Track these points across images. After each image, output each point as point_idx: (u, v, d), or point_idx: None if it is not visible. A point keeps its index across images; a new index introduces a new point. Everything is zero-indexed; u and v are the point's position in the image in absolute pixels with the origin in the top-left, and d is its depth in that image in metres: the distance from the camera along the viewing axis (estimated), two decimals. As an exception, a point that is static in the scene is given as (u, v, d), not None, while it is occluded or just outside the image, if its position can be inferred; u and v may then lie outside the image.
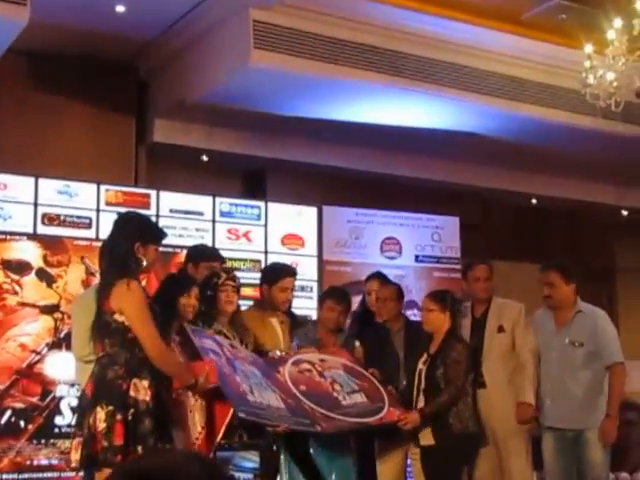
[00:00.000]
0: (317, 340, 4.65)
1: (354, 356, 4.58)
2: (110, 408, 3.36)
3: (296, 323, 4.85)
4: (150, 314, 3.47)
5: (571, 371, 4.48)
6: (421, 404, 4.37)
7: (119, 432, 3.33)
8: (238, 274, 4.62)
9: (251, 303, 5.07)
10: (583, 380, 4.45)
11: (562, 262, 4.73)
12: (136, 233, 3.59)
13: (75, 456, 3.45)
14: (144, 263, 3.57)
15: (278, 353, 4.40)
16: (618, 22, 5.17)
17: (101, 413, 3.35)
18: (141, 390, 3.42)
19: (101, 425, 3.34)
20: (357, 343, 4.66)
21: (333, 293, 4.88)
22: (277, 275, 4.68)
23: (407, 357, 4.64)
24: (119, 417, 3.34)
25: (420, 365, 4.46)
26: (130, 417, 3.37)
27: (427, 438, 4.35)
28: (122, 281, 3.45)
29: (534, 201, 8.95)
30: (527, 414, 4.48)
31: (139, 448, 3.34)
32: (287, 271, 4.75)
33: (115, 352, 3.46)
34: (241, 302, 4.52)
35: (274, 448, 4.17)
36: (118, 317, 3.46)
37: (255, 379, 3.94)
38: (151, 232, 3.69)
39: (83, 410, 3.50)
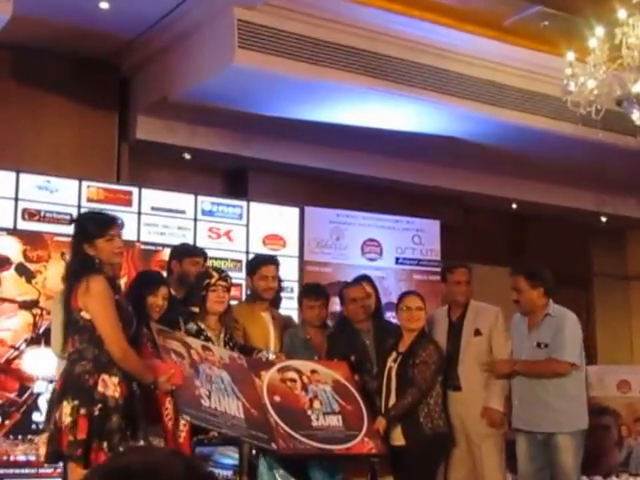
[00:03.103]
0: (307, 340, 4.65)
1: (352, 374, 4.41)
2: (75, 402, 3.37)
3: (289, 322, 4.86)
4: (114, 311, 3.48)
5: None
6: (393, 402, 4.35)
7: (82, 426, 3.34)
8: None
9: (233, 302, 5.08)
10: (548, 383, 4.45)
11: (529, 266, 4.69)
12: (79, 234, 3.63)
13: (44, 451, 3.48)
14: (97, 260, 3.55)
15: (270, 356, 4.35)
16: (600, 30, 5.21)
17: (67, 407, 3.37)
18: (110, 386, 3.42)
19: (67, 419, 3.35)
20: (352, 358, 4.55)
21: (309, 290, 4.91)
22: (255, 264, 4.76)
23: (379, 356, 4.61)
24: (83, 412, 3.35)
25: (390, 363, 4.44)
26: (97, 412, 3.37)
27: (398, 438, 4.34)
28: (83, 279, 3.48)
29: (514, 206, 9.02)
30: (493, 419, 4.52)
31: (104, 444, 3.34)
32: (265, 259, 4.82)
33: (84, 348, 3.48)
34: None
35: (253, 451, 4.14)
36: (85, 315, 3.49)
37: (219, 384, 3.90)
38: (92, 228, 3.63)
39: (51, 405, 3.52)
